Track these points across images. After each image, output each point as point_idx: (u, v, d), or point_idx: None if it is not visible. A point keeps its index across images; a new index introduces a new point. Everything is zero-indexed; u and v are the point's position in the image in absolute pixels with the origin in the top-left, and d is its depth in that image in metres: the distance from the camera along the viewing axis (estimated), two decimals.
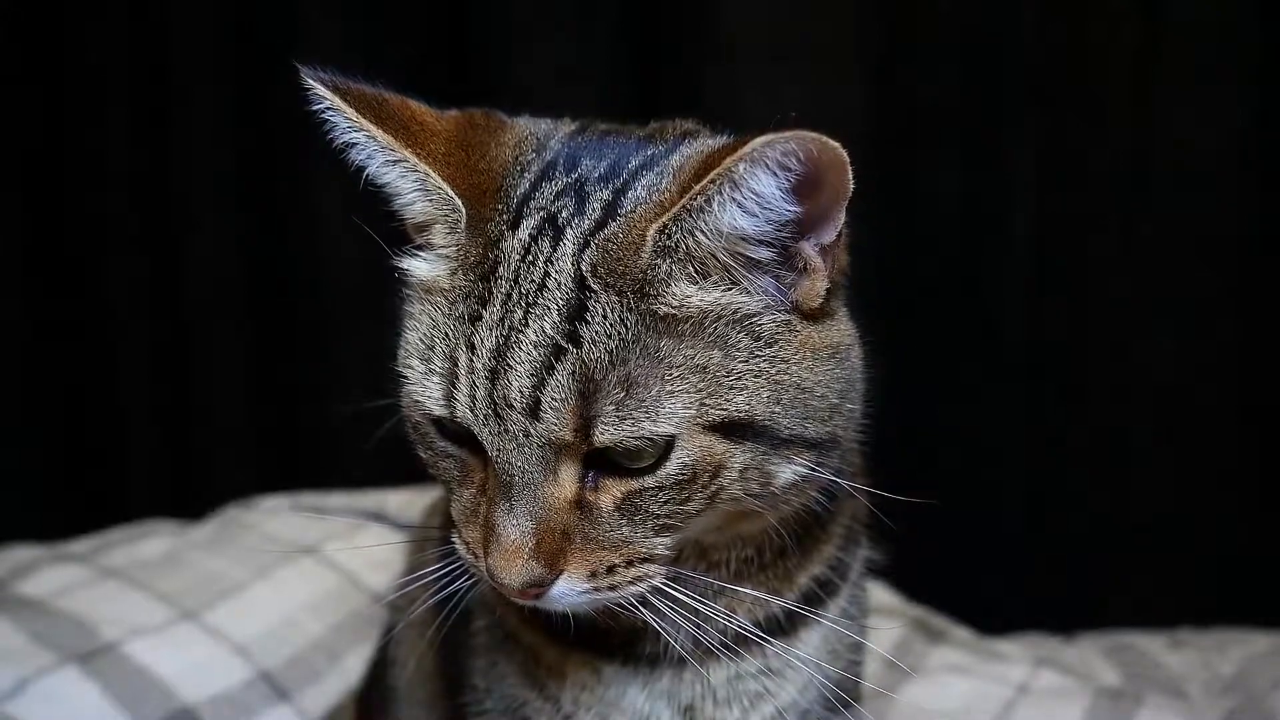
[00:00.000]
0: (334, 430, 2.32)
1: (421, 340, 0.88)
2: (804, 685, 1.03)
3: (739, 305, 0.86)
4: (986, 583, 2.10)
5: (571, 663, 1.01)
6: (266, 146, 2.23)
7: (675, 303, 0.84)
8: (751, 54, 2.02)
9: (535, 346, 0.83)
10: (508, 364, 0.83)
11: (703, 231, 0.83)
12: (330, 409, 2.31)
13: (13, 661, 1.51)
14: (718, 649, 0.96)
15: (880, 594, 1.83)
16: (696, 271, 0.84)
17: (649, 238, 0.83)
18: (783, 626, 1.01)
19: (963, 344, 2.07)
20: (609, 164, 0.90)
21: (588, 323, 0.83)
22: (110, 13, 2.20)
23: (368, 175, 0.91)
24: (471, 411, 0.85)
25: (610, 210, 0.87)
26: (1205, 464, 2.07)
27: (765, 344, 0.86)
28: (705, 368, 0.84)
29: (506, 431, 0.84)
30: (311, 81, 0.89)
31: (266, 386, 2.32)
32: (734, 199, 0.82)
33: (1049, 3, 1.98)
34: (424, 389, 0.87)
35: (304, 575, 1.78)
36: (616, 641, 0.99)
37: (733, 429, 0.84)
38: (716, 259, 0.84)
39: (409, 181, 0.90)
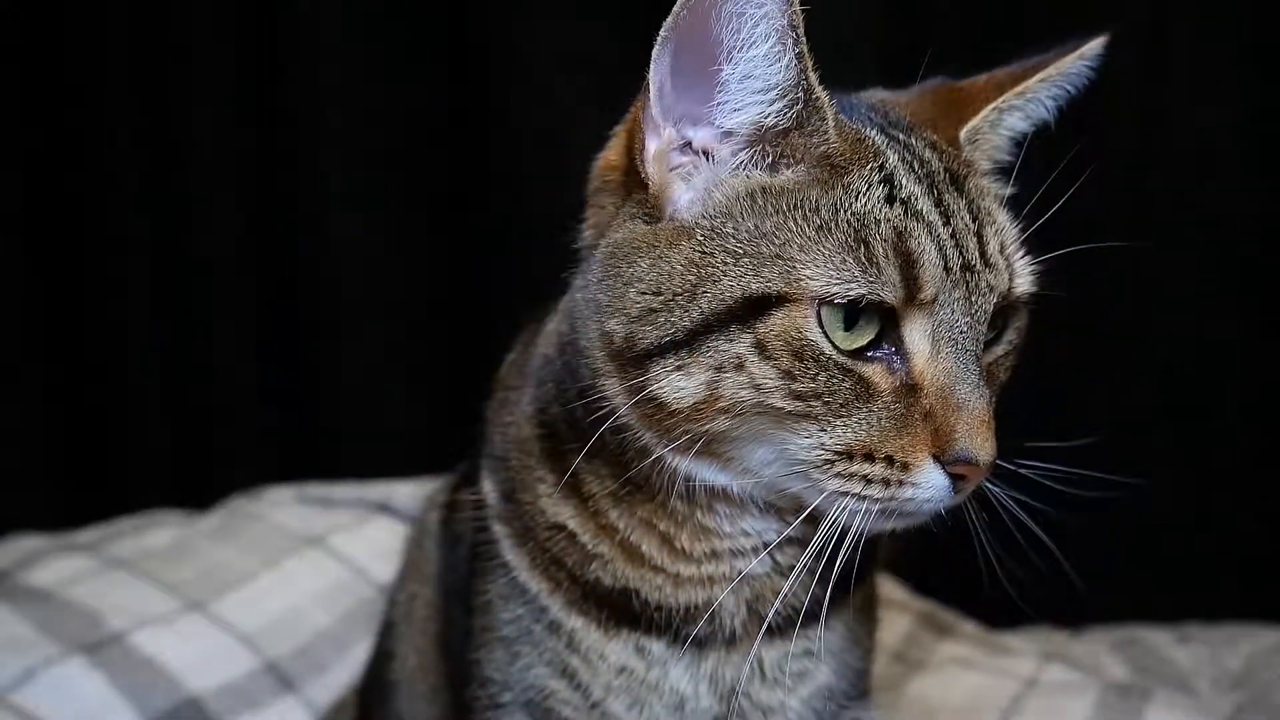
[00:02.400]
0: (340, 421, 2.32)
1: (839, 240, 0.86)
2: (835, 667, 1.05)
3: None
4: (994, 576, 2.09)
5: (614, 646, 1.00)
6: (269, 142, 2.23)
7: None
8: None
9: (966, 211, 0.91)
10: (969, 224, 0.90)
11: None
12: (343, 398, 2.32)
13: (20, 651, 1.51)
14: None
15: (888, 588, 1.83)
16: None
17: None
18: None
19: None
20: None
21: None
22: (111, 4, 2.20)
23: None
24: (945, 275, 0.87)
25: None
26: (1214, 458, 2.06)
27: None
28: None
29: (974, 289, 0.88)
30: None
31: (273, 377, 2.32)
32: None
33: None
34: (856, 280, 0.85)
35: (311, 566, 1.77)
36: (665, 620, 0.99)
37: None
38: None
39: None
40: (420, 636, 1.22)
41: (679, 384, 0.87)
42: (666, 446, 0.91)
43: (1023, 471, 0.97)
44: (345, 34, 2.18)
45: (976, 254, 0.89)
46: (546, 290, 1.06)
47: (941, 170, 0.92)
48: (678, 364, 0.87)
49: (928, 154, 0.93)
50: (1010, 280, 0.91)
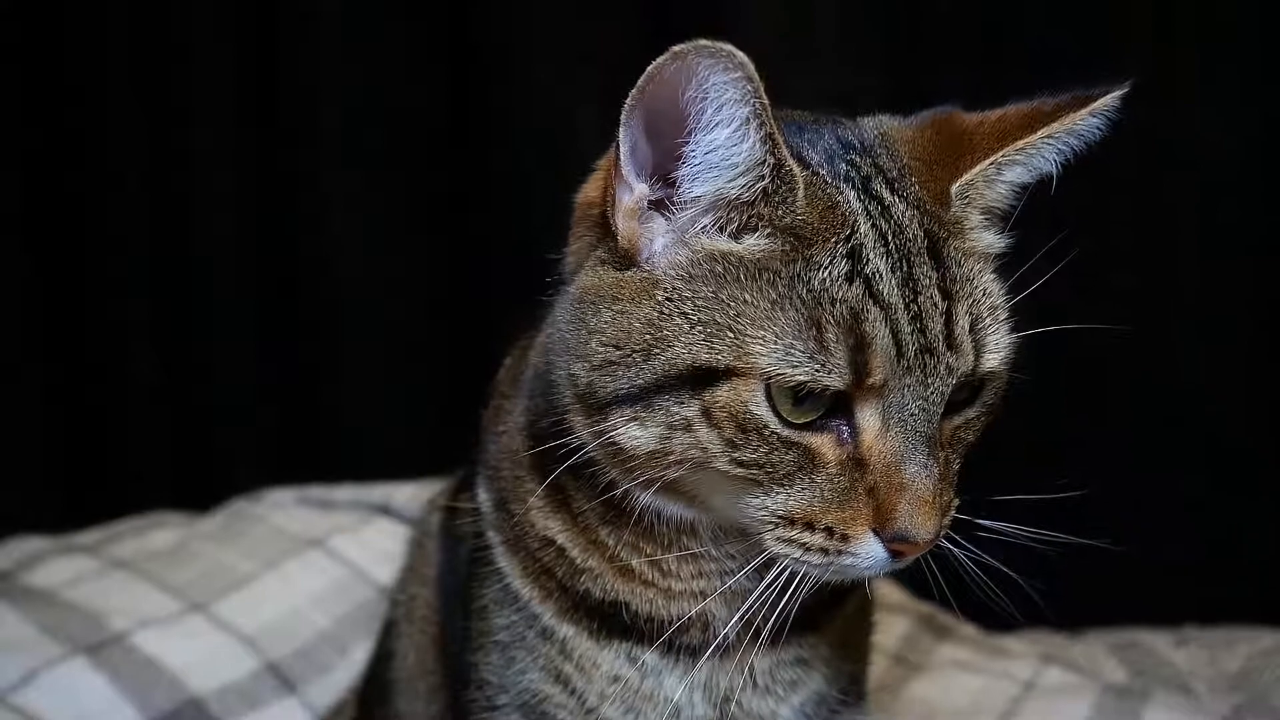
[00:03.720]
0: (340, 421, 2.32)
1: (792, 318, 0.85)
2: (828, 674, 1.05)
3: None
4: (992, 579, 2.09)
5: (606, 655, 1.01)
6: (269, 142, 2.23)
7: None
8: (759, 42, 2.01)
9: (936, 287, 0.87)
10: (937, 301, 0.86)
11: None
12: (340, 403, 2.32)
13: (22, 652, 1.51)
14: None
15: (887, 590, 1.83)
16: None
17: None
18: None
19: None
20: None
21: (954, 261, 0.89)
22: (111, 4, 2.20)
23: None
24: (897, 361, 0.84)
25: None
26: (1213, 460, 2.06)
27: None
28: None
29: (931, 373, 0.86)
30: None
31: (274, 379, 2.32)
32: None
33: None
34: (802, 366, 0.84)
35: (311, 568, 1.78)
36: (657, 630, 1.00)
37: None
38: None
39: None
40: (420, 636, 1.22)
41: (635, 433, 0.88)
42: (631, 484, 0.93)
43: (979, 522, 0.97)
44: (345, 34, 2.18)
45: (940, 334, 0.86)
46: (546, 291, 1.06)
47: (920, 236, 0.88)
48: (633, 416, 0.88)
49: (908, 217, 0.89)
50: (976, 360, 0.88)
